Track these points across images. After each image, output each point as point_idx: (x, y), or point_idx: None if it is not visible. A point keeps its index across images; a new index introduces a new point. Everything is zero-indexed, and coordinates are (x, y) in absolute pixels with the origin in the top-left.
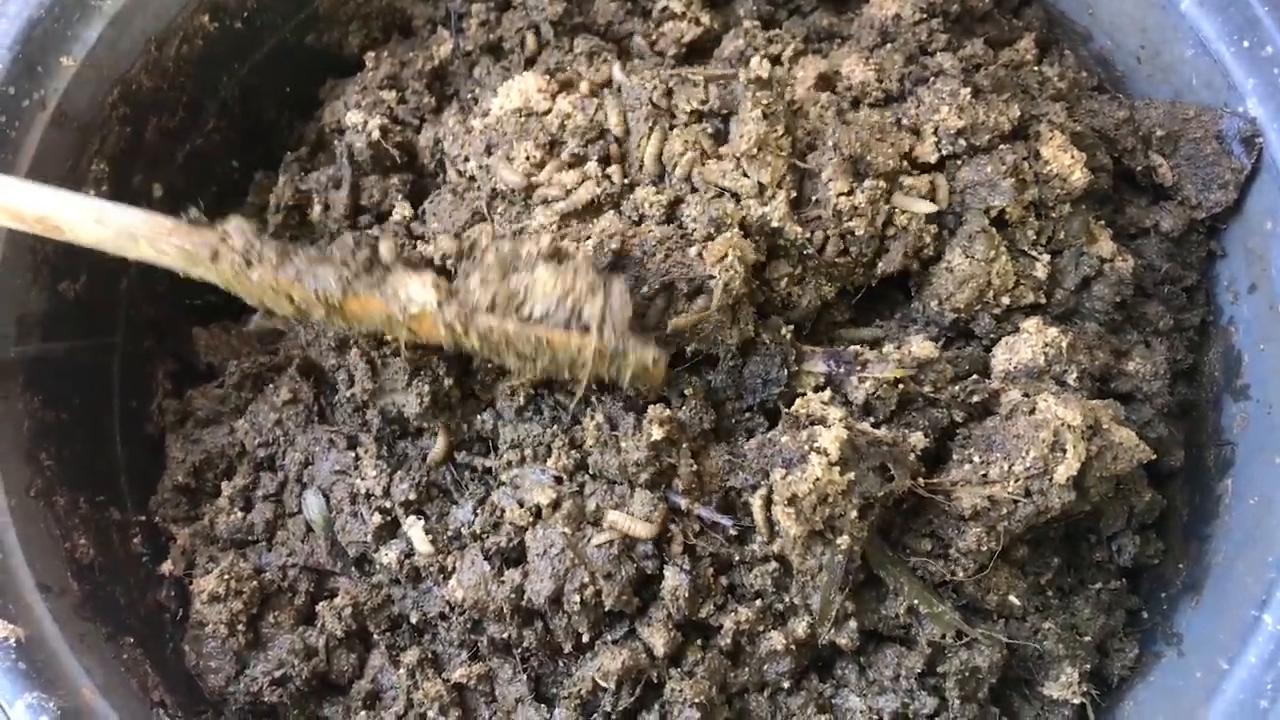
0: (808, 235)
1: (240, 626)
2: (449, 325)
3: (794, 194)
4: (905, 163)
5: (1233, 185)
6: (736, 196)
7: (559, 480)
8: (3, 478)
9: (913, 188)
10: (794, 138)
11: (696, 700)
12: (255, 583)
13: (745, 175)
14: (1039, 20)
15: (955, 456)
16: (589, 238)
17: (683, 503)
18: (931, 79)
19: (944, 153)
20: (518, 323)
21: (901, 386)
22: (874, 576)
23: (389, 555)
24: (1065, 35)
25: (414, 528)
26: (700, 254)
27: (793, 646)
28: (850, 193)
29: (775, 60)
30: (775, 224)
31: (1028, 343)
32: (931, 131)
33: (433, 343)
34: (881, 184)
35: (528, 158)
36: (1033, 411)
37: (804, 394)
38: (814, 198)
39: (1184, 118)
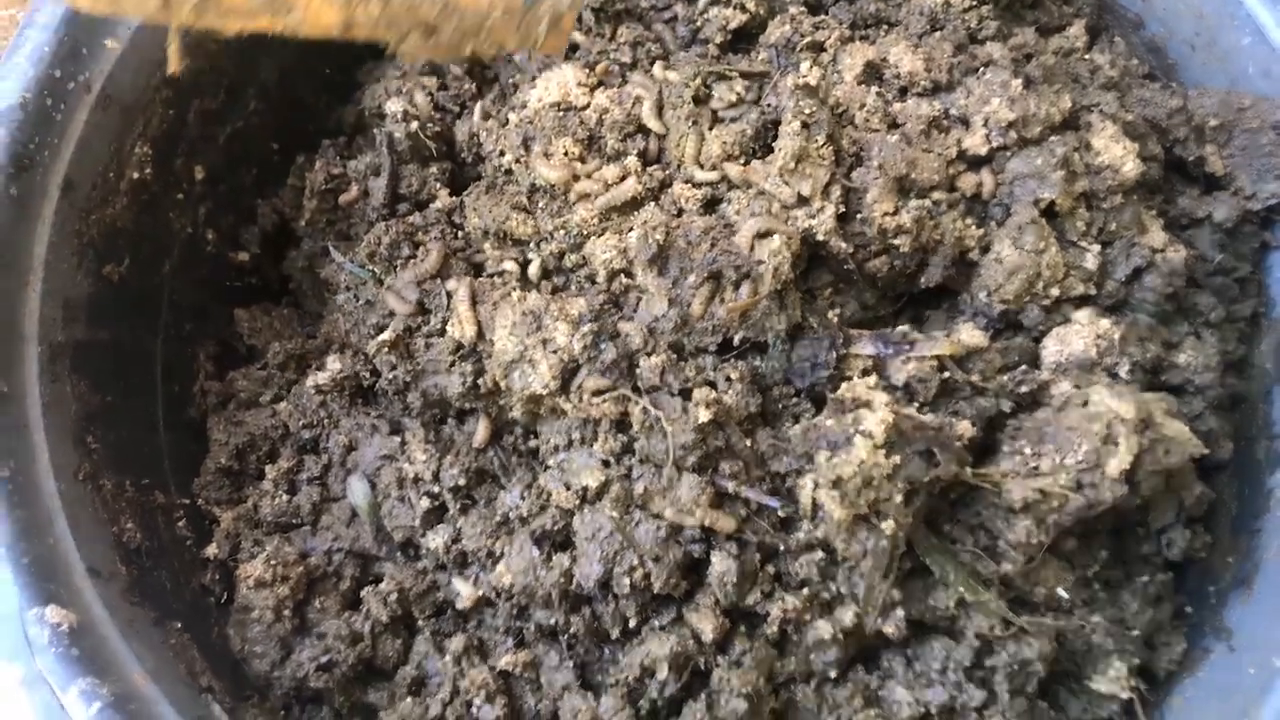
0: (850, 250)
1: (286, 612)
2: None
3: (842, 209)
4: (950, 168)
5: None
6: (784, 206)
7: (606, 464)
8: (52, 461)
9: (960, 194)
10: (838, 147)
11: (744, 690)
12: (301, 568)
13: (786, 184)
14: (1090, 6)
15: (1005, 448)
16: (631, 229)
17: (730, 486)
18: (981, 69)
19: (994, 145)
20: None
21: (947, 374)
22: (921, 567)
23: (436, 540)
24: (1116, 22)
25: (458, 580)
26: (746, 241)
27: (840, 636)
28: (895, 212)
29: (820, 48)
30: (821, 237)
31: (1079, 334)
32: (981, 124)
33: (320, 30)
34: (927, 202)
35: (566, 153)
36: (1085, 404)
37: (851, 378)
38: (859, 214)
39: (1239, 107)
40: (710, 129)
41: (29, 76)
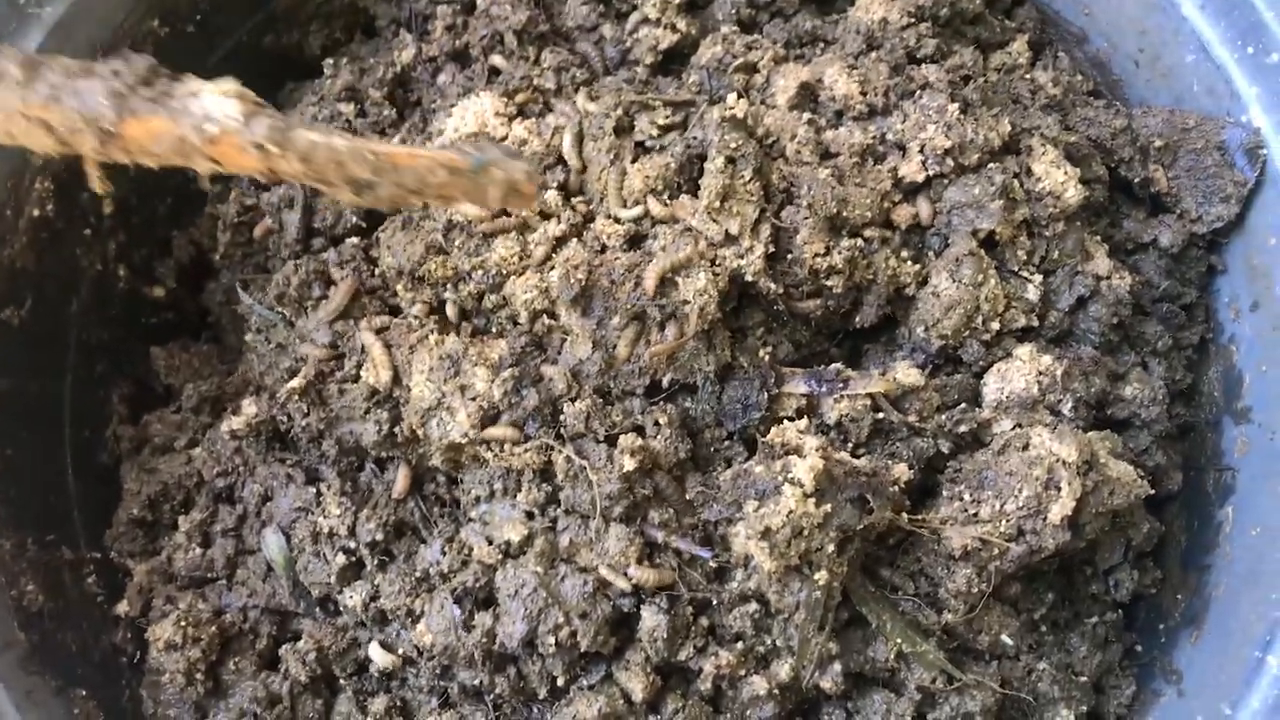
0: (780, 291)
1: (199, 675)
2: (260, 145)
3: (772, 248)
4: (884, 201)
5: (1235, 199)
6: (710, 242)
7: (530, 515)
8: None
9: (895, 228)
10: (766, 182)
11: None
12: (214, 627)
13: (714, 221)
14: (1032, 21)
15: (945, 493)
16: (553, 268)
17: (660, 536)
18: (918, 92)
19: (930, 173)
20: (349, 139)
21: (880, 414)
22: (859, 617)
23: (354, 598)
24: (1060, 37)
25: (373, 644)
26: (652, 279)
27: (775, 691)
28: (827, 252)
29: (753, 69)
30: (750, 278)
31: (1020, 372)
32: (918, 150)
33: (245, 172)
34: (859, 242)
35: None
36: (1026, 447)
37: (784, 419)
38: (789, 255)
39: (1184, 127)
40: (633, 161)
41: None
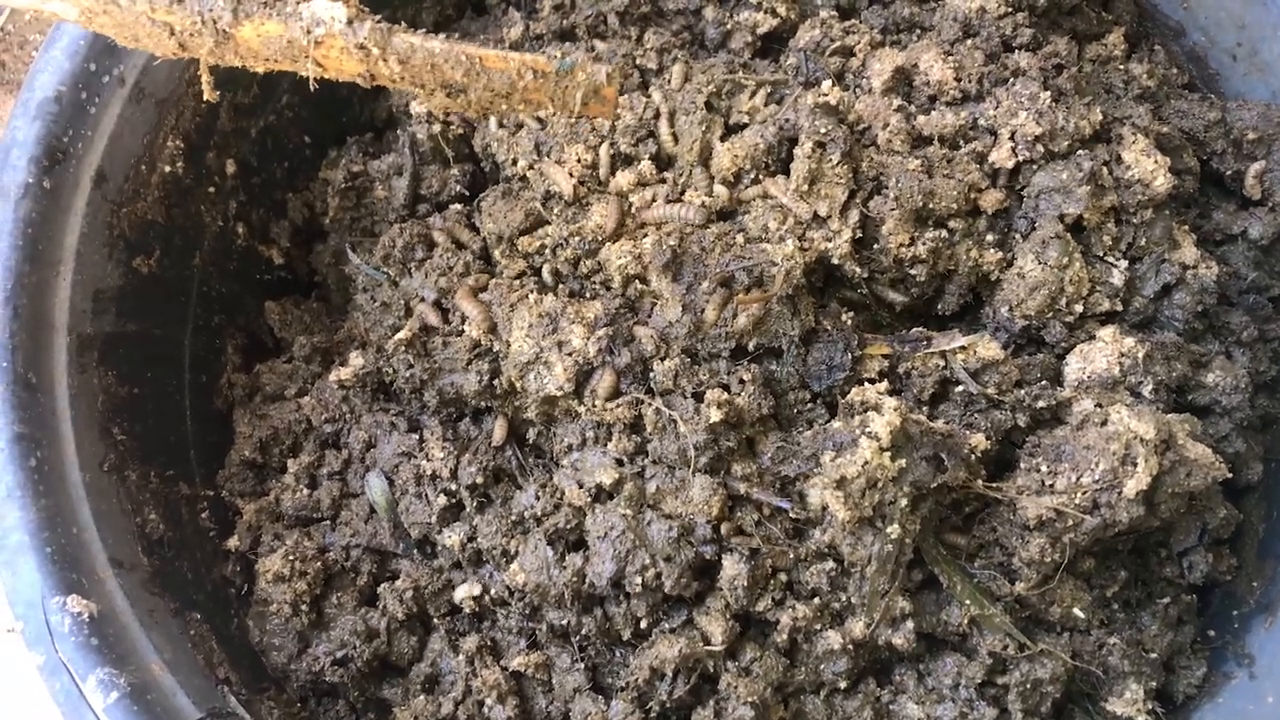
0: (865, 275)
1: (304, 607)
2: (362, 47)
3: (859, 234)
4: (973, 192)
5: None
6: (799, 221)
7: (620, 463)
8: (78, 452)
9: (982, 215)
10: (856, 168)
11: (751, 699)
12: (319, 563)
13: (804, 201)
14: (1130, 14)
15: (1022, 464)
16: (646, 236)
17: (741, 488)
18: (1011, 80)
19: (1020, 159)
20: (444, 41)
21: (960, 386)
22: (933, 580)
23: (452, 538)
24: (1157, 30)
25: (465, 582)
26: (760, 245)
27: (849, 646)
28: (911, 243)
29: (849, 52)
30: (836, 260)
31: (1103, 352)
32: (1008, 136)
33: (346, 76)
34: (943, 233)
35: (579, 160)
36: (1104, 423)
37: (869, 379)
38: (875, 243)
39: (1279, 120)
40: (722, 139)
41: (64, 69)
